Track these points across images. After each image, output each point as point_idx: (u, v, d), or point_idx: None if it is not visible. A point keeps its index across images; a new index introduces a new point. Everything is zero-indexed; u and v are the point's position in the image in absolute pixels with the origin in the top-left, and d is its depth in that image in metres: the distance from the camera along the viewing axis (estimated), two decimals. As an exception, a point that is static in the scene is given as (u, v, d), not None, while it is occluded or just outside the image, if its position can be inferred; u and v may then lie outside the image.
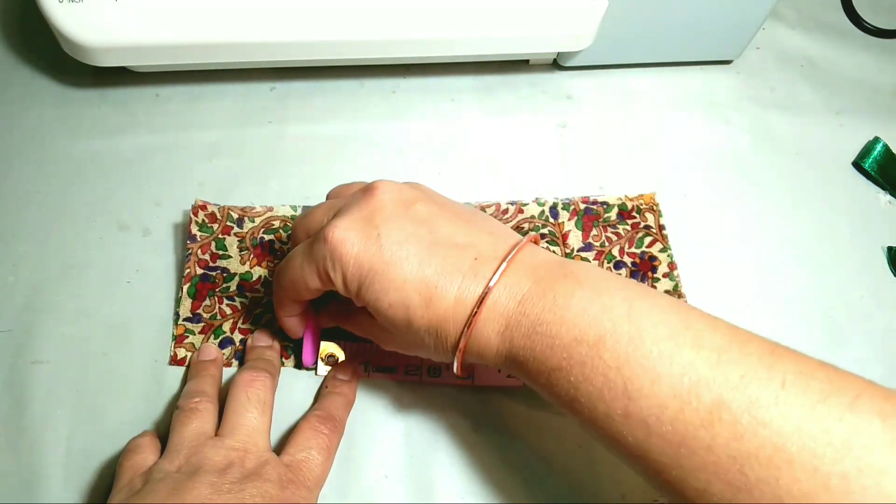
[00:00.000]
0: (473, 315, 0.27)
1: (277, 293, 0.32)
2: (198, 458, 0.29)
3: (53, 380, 0.35)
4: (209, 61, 0.41)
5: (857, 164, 0.44)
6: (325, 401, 0.34)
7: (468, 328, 0.27)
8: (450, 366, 0.29)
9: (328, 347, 0.36)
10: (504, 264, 0.27)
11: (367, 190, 0.29)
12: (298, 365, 0.36)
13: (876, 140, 0.44)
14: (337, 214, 0.29)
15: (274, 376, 0.34)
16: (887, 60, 0.49)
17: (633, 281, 0.28)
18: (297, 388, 0.35)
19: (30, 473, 0.33)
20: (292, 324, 0.34)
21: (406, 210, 0.29)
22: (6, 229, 0.39)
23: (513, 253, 0.28)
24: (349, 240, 0.28)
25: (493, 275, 0.27)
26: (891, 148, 0.44)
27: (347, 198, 0.30)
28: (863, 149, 0.45)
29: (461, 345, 0.27)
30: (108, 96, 0.43)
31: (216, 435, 0.31)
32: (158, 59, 0.39)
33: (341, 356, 0.36)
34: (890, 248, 0.41)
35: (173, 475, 0.28)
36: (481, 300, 0.27)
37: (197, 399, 0.32)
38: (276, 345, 0.36)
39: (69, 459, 0.33)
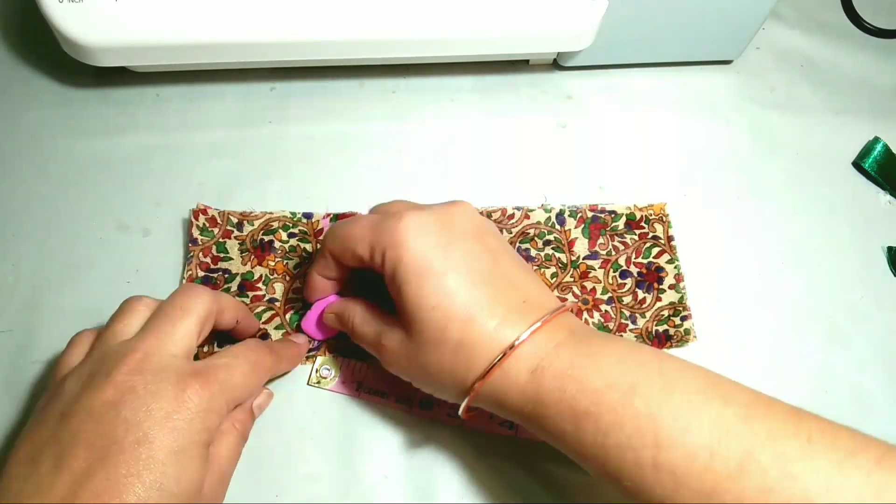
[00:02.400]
0: (511, 347, 0.27)
1: (325, 245, 0.32)
2: (100, 355, 0.29)
3: (53, 380, 0.35)
4: (209, 61, 0.41)
5: (857, 164, 0.44)
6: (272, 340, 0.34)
7: (502, 358, 0.27)
8: (447, 404, 0.29)
9: (325, 361, 0.36)
10: (549, 315, 0.28)
11: (450, 203, 0.31)
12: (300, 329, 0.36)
13: (876, 140, 0.44)
14: (416, 208, 0.30)
15: (221, 303, 0.31)
16: (887, 60, 0.49)
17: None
18: (296, 402, 0.35)
19: (30, 473, 0.33)
20: (317, 283, 0.34)
21: (479, 235, 0.30)
22: (6, 229, 0.39)
23: (559, 308, 0.29)
24: (422, 233, 0.29)
25: (539, 320, 0.28)
26: (891, 148, 0.44)
27: (426, 205, 0.32)
28: (863, 149, 0.45)
29: (487, 374, 0.27)
30: (108, 96, 0.43)
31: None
32: (158, 59, 0.39)
33: (335, 371, 0.35)
34: (890, 248, 0.41)
35: (70, 382, 0.28)
36: (519, 338, 0.27)
37: (135, 301, 0.31)
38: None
39: (69, 459, 0.33)
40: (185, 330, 0.29)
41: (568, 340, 0.27)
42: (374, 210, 0.34)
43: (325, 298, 0.35)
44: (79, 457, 0.25)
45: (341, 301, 0.34)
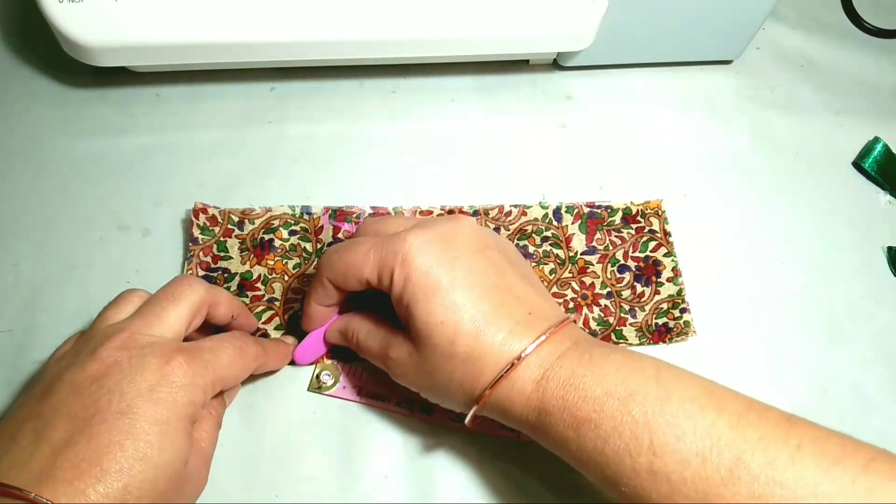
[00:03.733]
0: (518, 358, 0.28)
1: (323, 274, 0.32)
2: (87, 337, 0.29)
3: (53, 380, 0.35)
4: (209, 61, 0.41)
5: (857, 164, 0.44)
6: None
7: (509, 369, 0.28)
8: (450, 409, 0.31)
9: (326, 367, 0.35)
10: (555, 327, 0.29)
11: (451, 218, 0.31)
12: (292, 361, 0.35)
13: (876, 140, 0.44)
14: (418, 226, 0.30)
15: (216, 296, 0.31)
16: (887, 60, 0.49)
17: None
18: (296, 403, 0.35)
19: (30, 473, 0.33)
20: (318, 313, 0.33)
21: (482, 249, 0.30)
22: (6, 229, 0.39)
23: (564, 319, 0.29)
24: (427, 251, 0.29)
25: (544, 332, 0.28)
26: (891, 148, 0.44)
27: (426, 218, 0.32)
28: (863, 149, 0.45)
29: (495, 384, 0.28)
30: (108, 96, 0.43)
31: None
32: (158, 59, 0.39)
33: (335, 378, 0.35)
34: (890, 248, 0.41)
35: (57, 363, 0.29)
36: (525, 350, 0.28)
37: (128, 293, 0.31)
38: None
39: (69, 459, 0.33)
40: (176, 316, 0.29)
41: (571, 351, 0.28)
42: (367, 228, 0.34)
43: (322, 326, 0.35)
44: (59, 428, 0.25)
45: (344, 317, 0.34)
